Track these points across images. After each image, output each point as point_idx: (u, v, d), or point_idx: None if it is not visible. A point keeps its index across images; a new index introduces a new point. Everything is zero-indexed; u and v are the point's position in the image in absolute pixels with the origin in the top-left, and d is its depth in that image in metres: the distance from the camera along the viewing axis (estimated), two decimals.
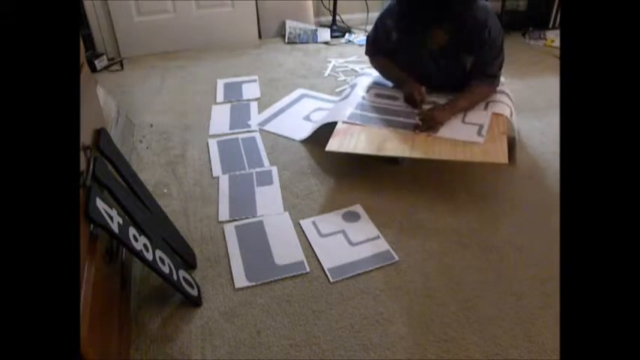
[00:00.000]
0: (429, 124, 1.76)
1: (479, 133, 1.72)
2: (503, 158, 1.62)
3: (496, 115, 1.82)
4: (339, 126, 1.83)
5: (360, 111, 1.91)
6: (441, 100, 1.90)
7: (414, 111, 1.87)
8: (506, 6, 3.13)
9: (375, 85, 2.10)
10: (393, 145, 1.72)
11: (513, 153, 1.87)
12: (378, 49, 1.99)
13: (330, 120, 1.90)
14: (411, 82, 1.91)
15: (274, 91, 2.50)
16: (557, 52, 2.91)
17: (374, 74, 2.15)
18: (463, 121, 1.81)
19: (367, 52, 2.06)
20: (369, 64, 2.12)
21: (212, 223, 1.61)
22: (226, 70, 2.74)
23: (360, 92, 2.05)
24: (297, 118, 2.22)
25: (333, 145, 1.74)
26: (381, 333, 1.23)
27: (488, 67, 1.83)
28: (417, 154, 1.68)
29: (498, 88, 1.94)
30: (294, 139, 2.06)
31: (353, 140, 1.75)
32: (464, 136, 1.72)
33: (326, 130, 1.87)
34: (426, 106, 1.87)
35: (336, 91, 2.46)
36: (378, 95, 2.02)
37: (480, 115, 1.82)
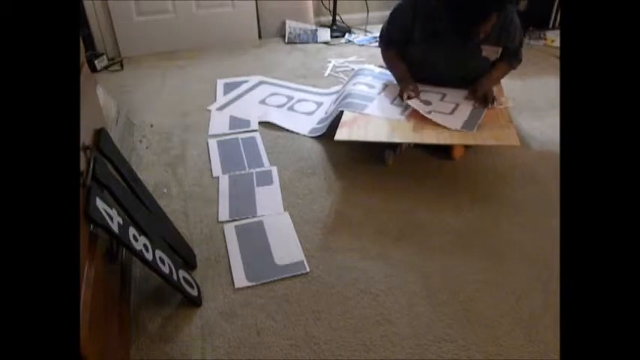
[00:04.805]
0: (483, 97, 1.85)
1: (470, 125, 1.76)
2: (515, 141, 1.68)
3: (494, 109, 1.85)
4: (344, 118, 1.85)
5: (357, 100, 1.95)
6: (447, 96, 1.93)
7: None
8: None
9: (358, 75, 2.16)
10: (402, 133, 1.75)
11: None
12: (391, 42, 1.98)
13: (340, 109, 1.92)
14: (409, 82, 1.93)
15: None
16: (557, 52, 2.91)
17: (367, 70, 2.18)
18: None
19: (381, 44, 2.05)
20: (367, 62, 2.14)
21: (212, 223, 1.61)
22: (226, 70, 2.74)
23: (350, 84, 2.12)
24: (254, 102, 2.38)
25: (343, 134, 1.76)
26: (381, 333, 1.23)
27: (516, 51, 1.90)
28: (427, 140, 1.71)
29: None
30: (254, 124, 2.19)
31: (362, 129, 1.77)
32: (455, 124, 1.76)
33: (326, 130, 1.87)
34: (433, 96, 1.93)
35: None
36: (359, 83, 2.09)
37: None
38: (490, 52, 1.85)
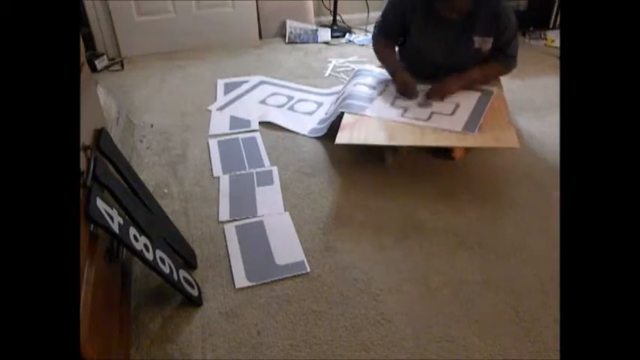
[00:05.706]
0: (439, 92, 1.84)
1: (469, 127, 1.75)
2: (514, 143, 1.67)
3: (494, 109, 1.84)
4: (345, 120, 1.84)
5: (357, 101, 1.94)
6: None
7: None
8: None
9: (358, 76, 2.16)
10: (403, 135, 1.74)
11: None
12: (386, 33, 1.99)
13: (340, 110, 1.92)
14: (404, 74, 1.92)
15: None
16: (557, 52, 2.91)
17: (367, 71, 2.17)
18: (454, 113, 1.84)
19: (374, 32, 2.04)
20: (367, 61, 2.13)
21: (212, 223, 1.61)
22: (226, 70, 2.74)
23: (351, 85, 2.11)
24: (254, 102, 2.38)
25: (343, 137, 1.75)
26: (381, 333, 1.23)
27: (507, 48, 1.87)
28: (427, 143, 1.71)
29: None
30: (252, 121, 2.20)
31: (362, 133, 1.76)
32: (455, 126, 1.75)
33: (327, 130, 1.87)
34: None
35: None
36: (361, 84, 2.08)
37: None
38: (482, 42, 1.84)
